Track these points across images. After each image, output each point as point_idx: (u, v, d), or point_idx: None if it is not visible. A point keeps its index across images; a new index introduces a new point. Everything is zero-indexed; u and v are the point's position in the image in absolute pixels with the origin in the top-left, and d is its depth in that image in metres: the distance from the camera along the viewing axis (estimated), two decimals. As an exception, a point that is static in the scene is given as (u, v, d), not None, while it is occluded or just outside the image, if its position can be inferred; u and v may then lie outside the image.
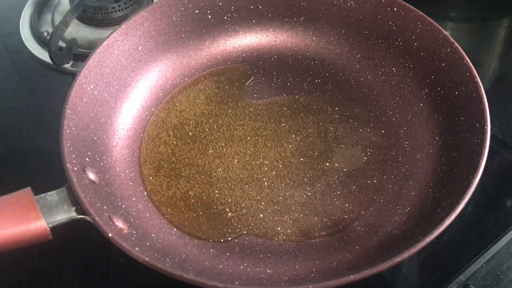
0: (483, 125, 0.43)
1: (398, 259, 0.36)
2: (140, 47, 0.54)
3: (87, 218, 0.39)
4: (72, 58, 0.61)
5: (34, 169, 0.53)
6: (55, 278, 0.46)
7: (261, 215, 0.46)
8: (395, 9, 0.52)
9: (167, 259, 0.41)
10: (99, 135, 0.49)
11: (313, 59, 0.57)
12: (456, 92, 0.48)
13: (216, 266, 0.43)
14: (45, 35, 0.65)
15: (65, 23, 0.61)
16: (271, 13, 0.58)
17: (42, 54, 0.63)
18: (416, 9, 0.51)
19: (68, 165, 0.42)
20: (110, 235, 0.38)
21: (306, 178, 0.48)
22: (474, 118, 0.45)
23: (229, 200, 0.47)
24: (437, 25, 0.50)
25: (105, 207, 0.42)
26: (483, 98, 0.45)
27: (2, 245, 0.37)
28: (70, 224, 0.40)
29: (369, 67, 0.55)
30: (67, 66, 0.61)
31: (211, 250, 0.44)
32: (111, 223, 0.41)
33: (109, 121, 0.51)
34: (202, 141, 0.51)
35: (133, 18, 0.53)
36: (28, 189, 0.40)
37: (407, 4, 0.52)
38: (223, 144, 0.51)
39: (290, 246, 0.44)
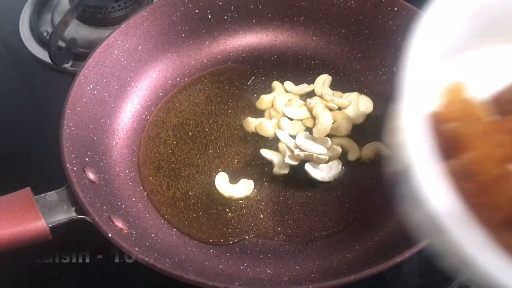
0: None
1: (398, 259, 0.36)
2: (140, 47, 0.54)
3: (87, 218, 0.39)
4: (72, 58, 0.61)
5: (34, 169, 0.53)
6: (54, 279, 0.46)
7: (261, 215, 0.46)
8: (395, 8, 0.52)
9: (167, 259, 0.41)
10: (99, 135, 0.49)
11: (314, 59, 0.57)
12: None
13: (216, 266, 0.43)
14: (45, 35, 0.64)
15: (64, 23, 0.61)
16: (271, 13, 0.57)
17: (42, 54, 0.63)
18: (417, 9, 0.51)
19: (67, 165, 0.42)
20: (109, 235, 0.38)
21: (306, 178, 0.48)
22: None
23: (229, 200, 0.47)
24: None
25: (104, 207, 0.42)
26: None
27: (2, 245, 0.37)
28: (69, 224, 0.40)
29: (370, 67, 0.55)
30: (67, 66, 0.61)
31: (211, 250, 0.44)
32: (111, 223, 0.41)
33: (108, 121, 0.51)
34: (202, 141, 0.51)
35: (133, 17, 0.53)
36: (28, 189, 0.40)
37: (408, 4, 0.52)
38: (223, 144, 0.51)
39: (290, 247, 0.44)
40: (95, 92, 0.49)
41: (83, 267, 0.45)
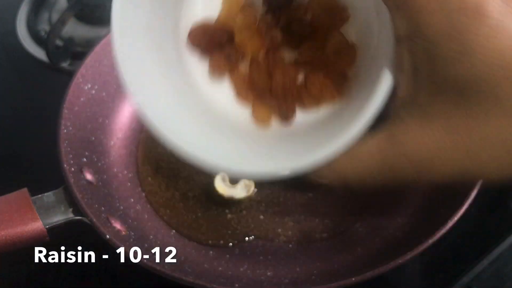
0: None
1: (400, 260, 0.36)
2: (139, 46, 0.53)
3: (84, 219, 0.39)
4: (70, 57, 0.61)
5: (31, 169, 0.53)
6: (59, 278, 0.45)
7: (261, 217, 0.45)
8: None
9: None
10: (97, 135, 0.49)
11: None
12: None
13: (216, 268, 0.43)
14: (42, 33, 0.64)
15: (62, 22, 0.61)
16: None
17: (39, 53, 0.62)
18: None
19: (65, 165, 0.41)
20: (108, 236, 0.38)
21: (308, 179, 0.47)
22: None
23: (229, 201, 0.46)
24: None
25: (102, 208, 0.42)
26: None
27: (-2, 246, 0.37)
28: (74, 224, 0.39)
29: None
30: (65, 65, 0.60)
31: (210, 252, 0.44)
32: (109, 224, 0.41)
33: (107, 121, 0.50)
34: (202, 141, 0.51)
35: (132, 16, 0.52)
36: (25, 190, 0.40)
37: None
38: (222, 144, 0.51)
39: (291, 248, 0.44)
40: (93, 91, 0.49)
41: (81, 269, 0.45)
